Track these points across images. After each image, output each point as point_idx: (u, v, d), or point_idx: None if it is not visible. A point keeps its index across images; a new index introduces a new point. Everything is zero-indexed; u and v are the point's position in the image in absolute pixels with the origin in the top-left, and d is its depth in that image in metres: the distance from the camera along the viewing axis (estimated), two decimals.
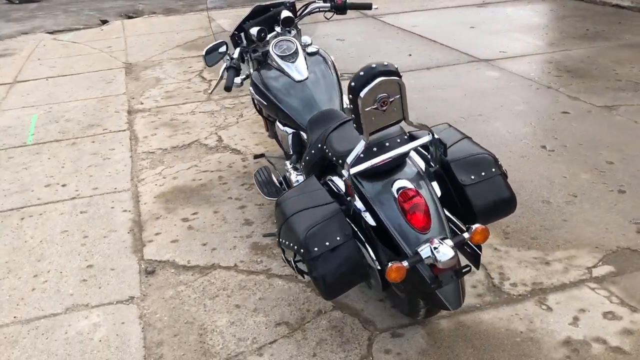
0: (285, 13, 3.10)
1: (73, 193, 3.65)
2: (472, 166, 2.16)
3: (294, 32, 3.20)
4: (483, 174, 2.14)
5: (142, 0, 12.40)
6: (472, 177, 2.13)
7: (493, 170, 2.16)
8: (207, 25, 8.27)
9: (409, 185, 2.08)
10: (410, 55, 6.14)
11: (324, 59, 3.02)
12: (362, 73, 1.89)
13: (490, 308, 2.50)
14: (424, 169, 2.19)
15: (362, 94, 1.87)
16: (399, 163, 2.16)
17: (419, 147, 2.24)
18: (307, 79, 2.87)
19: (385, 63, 1.92)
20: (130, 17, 10.17)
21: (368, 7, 3.30)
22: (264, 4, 3.23)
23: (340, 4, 3.26)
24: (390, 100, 1.92)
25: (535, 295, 2.55)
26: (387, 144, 2.10)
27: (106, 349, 2.40)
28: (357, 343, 2.36)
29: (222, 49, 2.91)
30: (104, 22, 9.96)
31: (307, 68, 2.90)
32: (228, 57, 2.93)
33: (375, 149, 2.09)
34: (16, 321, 2.58)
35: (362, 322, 2.46)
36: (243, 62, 3.17)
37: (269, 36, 3.07)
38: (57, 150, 4.29)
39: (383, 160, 2.07)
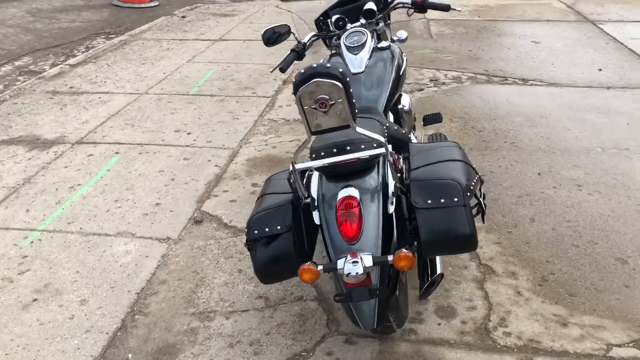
0: (369, 5, 3.08)
1: (190, 141, 4.16)
2: (434, 190, 2.00)
3: (380, 24, 3.17)
4: (442, 200, 1.97)
5: None
6: (429, 201, 1.98)
7: (455, 199, 1.97)
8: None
9: (354, 193, 2.02)
10: (600, 70, 5.45)
11: (392, 56, 2.95)
12: (302, 71, 1.89)
13: (462, 348, 2.29)
14: (392, 183, 2.10)
15: (298, 92, 1.88)
16: (359, 169, 2.10)
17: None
18: (361, 72, 2.85)
19: (328, 65, 1.89)
20: None
21: (445, 8, 3.10)
22: None
23: (419, 2, 3.12)
24: (331, 103, 1.88)
25: (522, 352, 2.26)
26: (349, 147, 2.06)
27: (120, 273, 2.80)
28: (310, 337, 2.38)
29: (284, 32, 3.01)
30: None
31: (368, 62, 2.88)
32: (296, 41, 3.03)
33: (335, 150, 2.07)
34: (79, 232, 3.13)
35: (329, 319, 2.47)
36: (329, 46, 3.24)
37: (349, 26, 3.09)
38: (206, 104, 4.87)
39: (327, 163, 2.04)
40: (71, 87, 5.33)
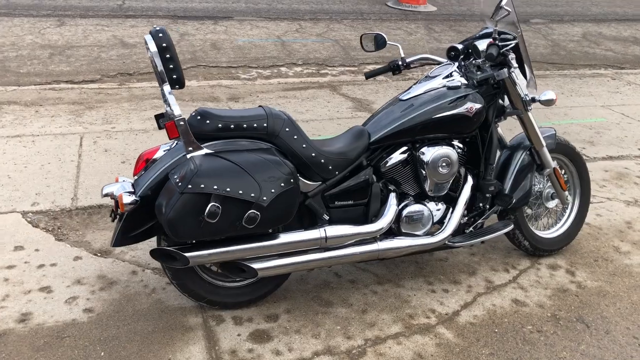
0: (478, 42, 2.73)
1: None
2: (182, 170, 2.19)
3: (504, 71, 2.70)
4: (177, 181, 2.17)
5: None
6: (175, 177, 2.19)
7: (179, 182, 2.15)
8: None
9: (163, 147, 2.44)
10: None
11: (441, 97, 2.65)
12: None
13: None
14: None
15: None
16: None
17: None
18: (404, 100, 2.72)
19: (158, 28, 2.17)
20: None
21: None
22: (492, 29, 2.80)
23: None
24: (155, 59, 2.16)
25: None
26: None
27: None
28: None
29: (380, 42, 2.88)
30: None
31: (420, 94, 2.70)
32: (400, 58, 2.89)
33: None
34: None
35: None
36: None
37: (475, 59, 2.80)
38: None
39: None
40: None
